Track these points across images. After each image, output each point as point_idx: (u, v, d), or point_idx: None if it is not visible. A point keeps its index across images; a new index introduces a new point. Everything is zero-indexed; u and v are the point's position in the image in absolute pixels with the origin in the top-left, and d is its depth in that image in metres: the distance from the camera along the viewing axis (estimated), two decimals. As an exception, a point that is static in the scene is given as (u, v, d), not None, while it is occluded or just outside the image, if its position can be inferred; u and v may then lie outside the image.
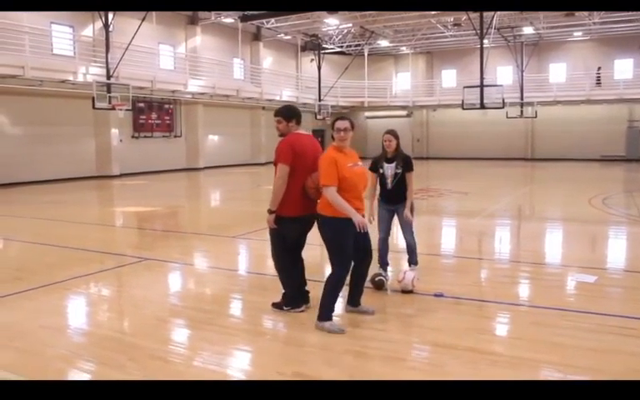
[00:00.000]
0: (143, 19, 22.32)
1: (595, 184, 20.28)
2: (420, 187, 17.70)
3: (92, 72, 22.14)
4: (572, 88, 33.81)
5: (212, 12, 28.46)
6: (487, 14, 25.82)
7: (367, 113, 40.42)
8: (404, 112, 38.94)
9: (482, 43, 25.81)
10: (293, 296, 5.62)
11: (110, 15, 21.42)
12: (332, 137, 5.10)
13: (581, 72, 34.12)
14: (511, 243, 10.41)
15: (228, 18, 29.59)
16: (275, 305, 5.73)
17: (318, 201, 5.22)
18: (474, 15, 25.58)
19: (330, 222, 5.03)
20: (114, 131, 25.34)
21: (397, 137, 6.74)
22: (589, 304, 6.04)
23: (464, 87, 28.73)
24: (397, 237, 8.11)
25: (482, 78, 26.16)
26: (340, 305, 5.56)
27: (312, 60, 35.05)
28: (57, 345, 5.02)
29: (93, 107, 21.13)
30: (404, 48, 38.33)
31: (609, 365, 4.41)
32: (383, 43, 36.58)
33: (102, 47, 22.26)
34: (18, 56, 19.68)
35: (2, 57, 19.28)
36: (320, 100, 33.45)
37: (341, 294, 5.33)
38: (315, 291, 5.60)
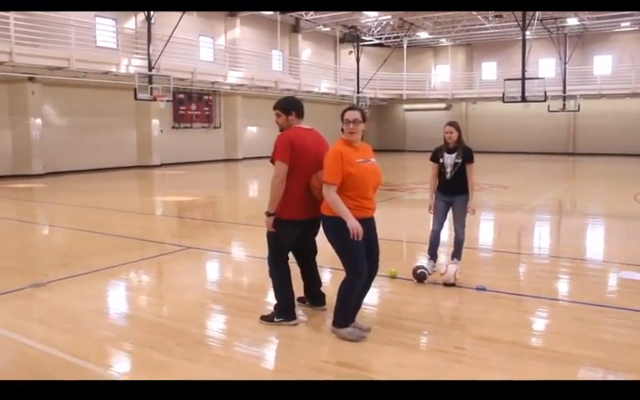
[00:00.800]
0: (184, 11, 22.58)
1: (640, 180, 19.78)
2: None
3: (134, 64, 22.55)
4: (617, 81, 32.88)
5: (252, 4, 28.57)
6: (530, 5, 25.29)
7: (405, 106, 40.18)
8: (443, 105, 38.54)
9: (524, 35, 25.37)
10: (287, 307, 5.07)
11: (152, 7, 21.73)
12: (342, 130, 4.61)
13: (627, 64, 33.18)
14: (552, 239, 10.25)
15: (267, 10, 29.72)
16: (264, 318, 5.11)
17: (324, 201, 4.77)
18: (516, 6, 25.10)
19: (332, 222, 4.55)
20: (155, 122, 25.77)
21: (458, 128, 6.67)
22: (631, 302, 5.92)
23: (505, 80, 28.28)
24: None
25: (523, 71, 25.71)
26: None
27: (351, 52, 34.95)
28: (106, 328, 5.17)
29: (135, 99, 21.52)
30: (444, 40, 37.92)
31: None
32: (422, 35, 36.24)
33: (144, 39, 22.65)
34: (64, 48, 20.17)
35: (49, 50, 19.81)
36: (358, 92, 33.35)
37: None
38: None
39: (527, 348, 4.65)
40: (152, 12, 21.83)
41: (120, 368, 4.29)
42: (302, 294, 5.47)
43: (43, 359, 4.42)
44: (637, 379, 4.00)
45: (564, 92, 32.07)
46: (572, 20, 30.96)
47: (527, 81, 26.10)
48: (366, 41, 35.28)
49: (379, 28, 34.62)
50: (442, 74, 39.89)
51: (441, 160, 6.72)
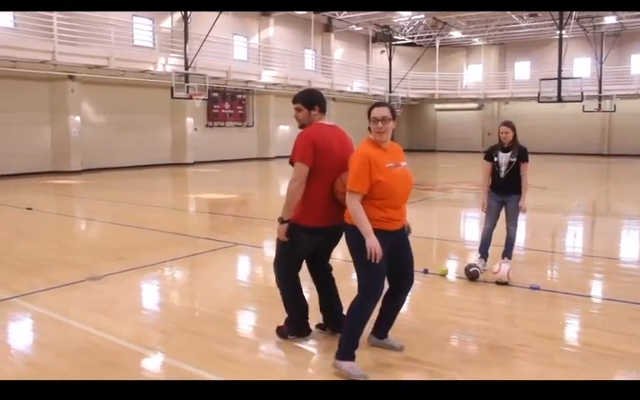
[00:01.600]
0: (220, 11, 22.78)
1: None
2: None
3: (171, 63, 22.83)
4: (655, 81, 32.27)
5: (285, 3, 28.76)
6: (567, 4, 24.96)
7: (436, 106, 39.96)
8: (475, 105, 38.26)
9: (560, 34, 25.11)
10: (299, 322, 4.61)
11: (189, 7, 22.00)
12: (369, 129, 4.01)
13: (666, 63, 32.50)
14: (601, 240, 10.12)
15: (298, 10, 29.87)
16: (279, 331, 4.69)
17: None
18: (553, 5, 24.79)
19: (355, 231, 3.93)
20: (189, 120, 26.05)
21: (513, 128, 6.62)
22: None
23: (541, 80, 27.97)
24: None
25: (560, 70, 25.42)
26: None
27: (383, 51, 34.90)
28: (168, 321, 5.27)
29: (172, 97, 21.79)
30: (476, 40, 37.62)
31: None
32: (455, 35, 36.01)
33: (180, 38, 22.95)
34: (104, 47, 20.52)
35: (89, 49, 20.17)
36: (391, 92, 33.28)
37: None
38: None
39: (591, 346, 4.62)
40: (188, 12, 22.07)
41: (189, 359, 4.36)
42: (320, 321, 4.81)
43: (112, 348, 4.52)
44: None
45: (600, 91, 31.54)
46: (609, 19, 30.47)
47: (562, 80, 25.74)
48: (398, 40, 35.17)
49: (412, 28, 34.50)
50: (474, 74, 39.58)
51: (495, 159, 6.69)
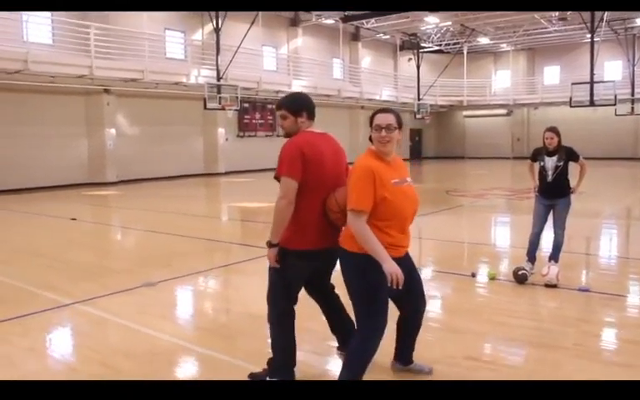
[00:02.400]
0: (252, 22, 23.10)
1: None
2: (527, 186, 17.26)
3: (202, 75, 23.18)
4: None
5: (313, 14, 29.07)
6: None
7: (465, 112, 39.83)
8: (504, 111, 38.04)
9: (592, 38, 24.89)
10: (285, 363, 3.92)
11: (220, 19, 22.36)
12: (370, 139, 3.52)
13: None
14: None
15: (329, 19, 30.11)
16: (253, 375, 4.05)
17: (343, 228, 3.60)
18: (584, 8, 24.62)
19: (354, 260, 3.42)
20: (221, 130, 26.39)
21: (558, 134, 6.64)
22: None
23: (572, 84, 27.72)
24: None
25: (592, 74, 25.19)
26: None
27: (410, 59, 34.97)
28: (228, 325, 5.41)
29: (205, 108, 22.12)
30: (504, 45, 37.43)
31: None
32: (483, 41, 35.87)
33: (210, 49, 23.31)
34: (138, 61, 20.95)
35: (125, 63, 20.62)
36: (419, 99, 33.29)
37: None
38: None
39: (650, 348, 4.63)
40: (219, 24, 22.41)
41: (257, 362, 4.48)
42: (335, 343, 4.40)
43: (176, 350, 4.67)
44: None
45: (632, 94, 31.12)
46: (641, 20, 30.12)
47: (594, 84, 25.50)
48: (425, 47, 35.20)
49: (439, 35, 34.51)
50: (502, 79, 39.35)
51: (541, 163, 6.71)
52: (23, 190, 19.28)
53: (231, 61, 22.62)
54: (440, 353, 4.48)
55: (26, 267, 7.99)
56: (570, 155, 6.62)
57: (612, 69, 33.98)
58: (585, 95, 25.79)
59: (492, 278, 6.73)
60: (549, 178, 6.63)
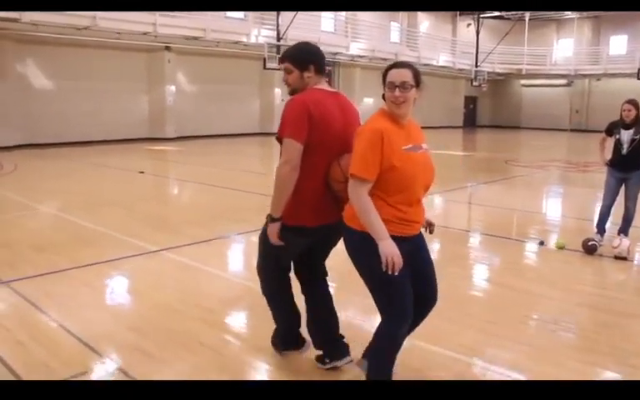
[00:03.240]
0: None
1: None
2: (587, 160, 16.94)
3: (262, 35, 23.36)
4: None
5: (373, -24, 28.72)
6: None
7: (522, 81, 38.92)
8: (563, 81, 37.00)
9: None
10: (287, 335, 3.76)
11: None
12: (383, 97, 2.96)
13: None
14: None
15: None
16: (273, 343, 3.86)
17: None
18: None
19: (360, 239, 2.94)
20: (277, 91, 26.61)
21: (637, 106, 6.59)
22: None
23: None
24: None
25: (662, 45, 24.21)
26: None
27: (469, 25, 34.30)
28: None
29: (264, 68, 22.35)
30: (569, 12, 36.21)
31: None
32: (546, 7, 34.80)
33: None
34: (200, 19, 21.24)
35: (187, 21, 20.94)
36: (477, 66, 32.72)
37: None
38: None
39: None
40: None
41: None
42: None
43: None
44: None
45: None
46: None
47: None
48: (486, 13, 34.39)
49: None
50: (564, 48, 38.17)
51: (617, 136, 6.68)
52: (88, 142, 20.02)
53: (291, 21, 22.70)
54: (516, 313, 4.64)
55: (106, 216, 8.43)
56: None
57: (683, 41, 32.57)
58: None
59: (561, 248, 6.80)
60: (624, 151, 6.61)
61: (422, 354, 3.85)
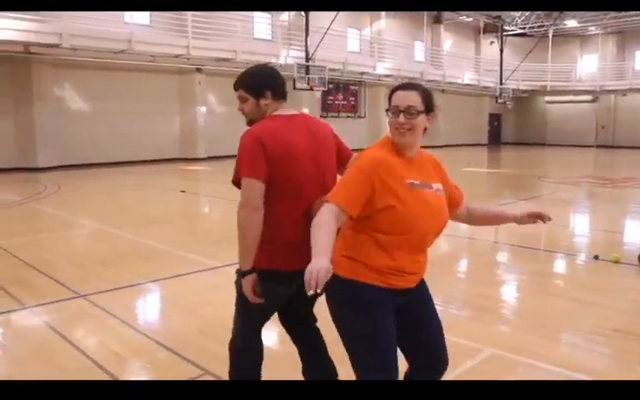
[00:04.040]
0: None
1: None
2: (620, 175, 16.94)
3: (291, 55, 23.72)
4: None
5: (398, -4, 29.08)
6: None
7: (547, 98, 38.88)
8: (589, 97, 36.91)
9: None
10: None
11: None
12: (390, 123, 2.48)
13: None
14: None
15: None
16: None
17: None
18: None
19: (341, 286, 2.40)
20: (305, 110, 26.87)
21: None
22: None
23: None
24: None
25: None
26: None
27: (492, 42, 34.48)
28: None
29: (294, 88, 22.65)
30: (592, 28, 36.23)
31: None
32: (570, 23, 34.87)
33: (296, 30, 23.80)
34: (229, 41, 21.66)
35: (218, 43, 21.38)
36: (501, 83, 32.81)
37: None
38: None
39: None
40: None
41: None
42: None
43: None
44: None
45: None
46: None
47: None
48: (509, 31, 34.54)
49: (523, 18, 33.79)
50: (588, 64, 38.13)
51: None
52: (122, 163, 20.42)
53: (320, 42, 23.04)
54: (584, 323, 4.73)
55: (159, 233, 8.66)
56: None
57: None
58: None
59: (616, 261, 6.86)
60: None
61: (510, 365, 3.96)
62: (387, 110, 2.47)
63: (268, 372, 3.06)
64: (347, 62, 25.93)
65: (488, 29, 35.29)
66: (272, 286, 2.76)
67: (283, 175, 2.70)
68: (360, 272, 2.39)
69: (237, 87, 2.93)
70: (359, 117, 30.15)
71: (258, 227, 2.67)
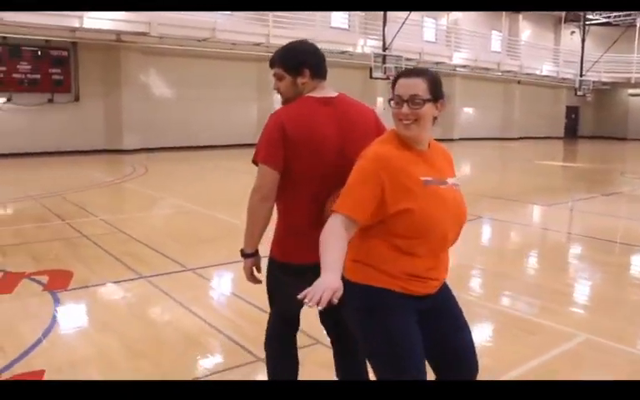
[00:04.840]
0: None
1: None
2: None
3: (368, 44, 23.87)
4: None
5: (476, -15, 28.66)
6: None
7: (630, 91, 37.34)
8: (676, 90, 35.26)
9: None
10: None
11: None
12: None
13: None
14: None
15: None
16: None
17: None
18: None
19: (356, 293, 2.22)
20: (379, 99, 26.97)
21: None
22: None
23: None
24: None
25: None
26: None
27: (573, 32, 33.41)
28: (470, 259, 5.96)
29: (370, 77, 22.82)
30: (682, 18, 34.50)
31: None
32: (659, 13, 33.31)
33: (371, 19, 23.90)
34: (307, 29, 21.99)
35: (297, 32, 21.73)
36: (581, 75, 31.79)
37: None
38: None
39: None
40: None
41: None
42: None
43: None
44: None
45: None
46: None
47: None
48: (592, 20, 33.35)
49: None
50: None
51: None
52: (203, 147, 21.19)
53: (397, 32, 23.06)
54: None
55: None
56: None
57: None
58: None
59: None
60: None
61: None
62: (389, 100, 2.25)
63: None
64: (423, 52, 25.83)
65: (570, 18, 34.20)
66: (288, 279, 2.62)
67: (302, 166, 2.51)
68: (375, 277, 2.20)
69: (273, 64, 2.72)
70: (432, 107, 29.90)
71: (264, 217, 2.58)
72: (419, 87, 2.18)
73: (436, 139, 2.35)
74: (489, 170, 19.00)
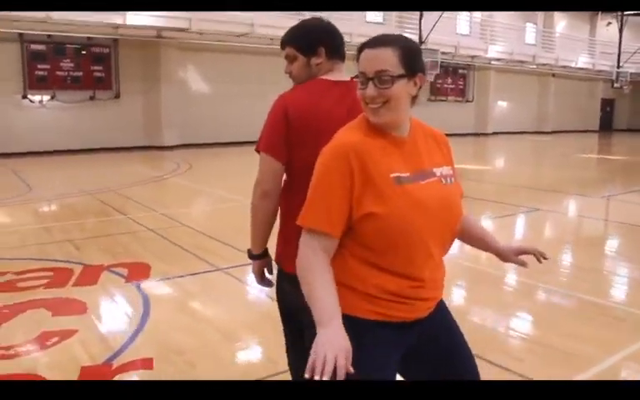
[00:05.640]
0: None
1: None
2: None
3: (403, 38, 23.72)
4: None
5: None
6: None
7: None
8: None
9: None
10: None
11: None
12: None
13: None
14: None
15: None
16: None
17: None
18: None
19: (349, 325, 1.66)
20: (413, 93, 26.89)
21: None
22: None
23: None
24: None
25: None
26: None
27: (609, 24, 32.79)
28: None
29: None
30: None
31: None
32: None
33: (408, 13, 23.80)
34: (347, 24, 21.95)
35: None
36: (619, 67, 31.26)
37: None
38: None
39: None
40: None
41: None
42: None
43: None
44: None
45: None
46: None
47: None
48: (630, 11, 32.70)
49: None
50: None
51: None
52: (240, 143, 21.30)
53: (434, 25, 22.94)
54: None
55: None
56: None
57: None
58: None
59: None
60: None
61: None
62: (353, 77, 1.84)
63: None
64: (459, 46, 25.65)
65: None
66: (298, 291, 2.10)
67: (306, 155, 2.07)
68: (346, 301, 1.72)
69: (285, 44, 2.45)
70: (467, 101, 29.72)
71: (265, 215, 2.30)
72: (388, 60, 1.72)
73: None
74: (541, 164, 18.81)
